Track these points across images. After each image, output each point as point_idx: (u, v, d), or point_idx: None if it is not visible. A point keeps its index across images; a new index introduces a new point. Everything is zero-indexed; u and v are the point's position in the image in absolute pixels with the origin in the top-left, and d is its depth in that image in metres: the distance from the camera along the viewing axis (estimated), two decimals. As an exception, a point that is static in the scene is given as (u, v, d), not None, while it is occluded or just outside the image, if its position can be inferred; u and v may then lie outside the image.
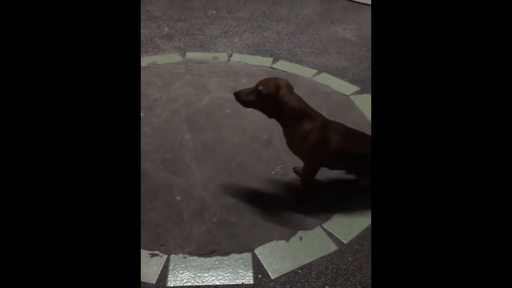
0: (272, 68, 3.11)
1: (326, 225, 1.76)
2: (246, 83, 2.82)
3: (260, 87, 1.61)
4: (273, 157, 2.13)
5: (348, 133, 1.76)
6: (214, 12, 4.24)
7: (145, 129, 2.31)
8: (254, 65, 3.14)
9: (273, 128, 1.65)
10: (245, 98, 1.67)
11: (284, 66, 3.14)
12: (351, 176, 1.91)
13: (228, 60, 3.20)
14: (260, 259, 1.60)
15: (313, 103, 1.76)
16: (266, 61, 3.20)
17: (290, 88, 1.66)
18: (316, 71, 3.08)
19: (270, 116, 1.67)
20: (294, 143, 1.72)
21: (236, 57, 3.25)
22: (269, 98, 1.61)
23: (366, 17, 4.21)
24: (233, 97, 1.72)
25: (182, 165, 2.06)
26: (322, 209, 1.83)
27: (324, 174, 1.89)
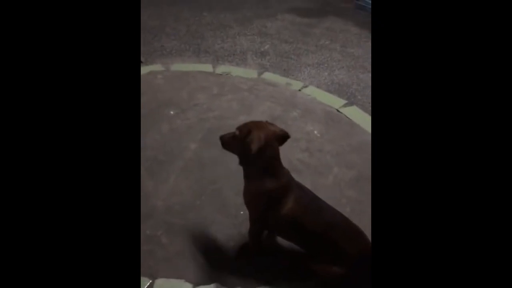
0: (338, 111, 2.83)
1: (246, 292, 1.51)
2: (295, 117, 2.65)
3: (237, 132, 1.45)
4: (255, 197, 1.94)
5: (313, 205, 1.47)
6: (327, 42, 4.09)
7: (163, 127, 2.38)
8: (321, 102, 2.91)
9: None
10: (225, 139, 1.49)
11: (352, 112, 2.82)
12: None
13: (299, 90, 3.05)
14: (154, 291, 1.48)
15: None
16: (337, 103, 2.92)
17: (269, 136, 1.40)
18: (384, 128, 2.67)
19: (239, 162, 1.48)
20: (246, 195, 1.52)
21: (309, 90, 3.07)
22: (238, 141, 1.42)
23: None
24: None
25: (164, 169, 2.06)
26: (254, 275, 1.58)
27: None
